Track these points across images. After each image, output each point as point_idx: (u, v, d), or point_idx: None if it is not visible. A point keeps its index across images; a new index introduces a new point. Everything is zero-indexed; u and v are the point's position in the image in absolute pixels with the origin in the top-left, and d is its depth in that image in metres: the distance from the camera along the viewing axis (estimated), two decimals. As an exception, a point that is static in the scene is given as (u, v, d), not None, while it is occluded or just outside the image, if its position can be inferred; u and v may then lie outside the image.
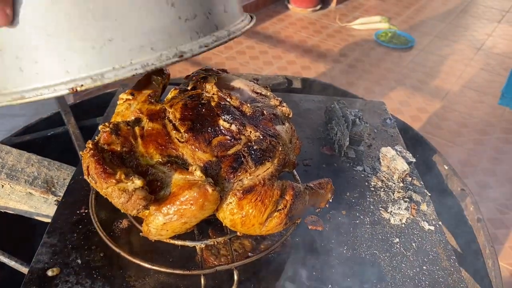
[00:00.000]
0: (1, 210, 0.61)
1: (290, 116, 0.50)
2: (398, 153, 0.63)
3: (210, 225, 0.51)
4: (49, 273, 0.47)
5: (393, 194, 0.61)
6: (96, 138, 0.44)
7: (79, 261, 0.49)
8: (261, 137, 0.45)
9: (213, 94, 0.48)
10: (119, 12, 0.36)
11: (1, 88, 0.38)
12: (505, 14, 4.00)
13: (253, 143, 0.44)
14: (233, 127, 0.45)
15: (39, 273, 0.47)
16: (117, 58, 0.37)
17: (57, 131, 0.71)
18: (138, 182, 0.39)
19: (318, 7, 3.81)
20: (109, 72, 0.37)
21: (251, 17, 0.49)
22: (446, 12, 3.99)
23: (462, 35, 3.60)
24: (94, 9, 0.35)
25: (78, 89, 0.37)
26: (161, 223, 0.41)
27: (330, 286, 0.49)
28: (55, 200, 0.60)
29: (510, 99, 2.64)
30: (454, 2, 4.26)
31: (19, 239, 0.70)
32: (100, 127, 0.45)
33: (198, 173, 0.41)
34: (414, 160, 0.63)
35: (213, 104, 0.47)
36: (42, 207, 0.61)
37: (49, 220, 0.62)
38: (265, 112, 0.48)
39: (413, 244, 0.55)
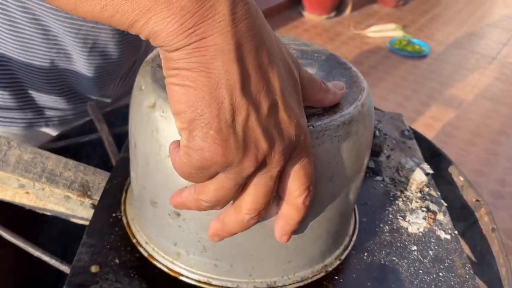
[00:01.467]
0: (39, 212, 0.65)
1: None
2: (416, 164, 0.66)
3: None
4: (92, 269, 0.51)
5: (411, 203, 0.64)
6: None
7: (117, 261, 0.53)
8: None
9: None
10: (304, 246, 0.47)
11: (185, 261, 0.49)
12: (520, 24, 3.98)
13: None
14: None
15: (81, 270, 0.51)
16: (287, 271, 0.48)
17: (91, 138, 0.76)
18: None
19: (333, 14, 3.83)
20: (279, 281, 0.48)
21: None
22: (461, 21, 3.99)
23: (477, 44, 3.60)
24: (290, 246, 0.46)
25: None
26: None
27: (351, 290, 0.52)
28: (90, 203, 0.64)
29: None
30: (469, 10, 4.26)
31: (51, 240, 0.74)
32: None
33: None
34: (431, 171, 0.66)
35: None
36: (78, 209, 0.65)
37: (83, 222, 0.66)
38: None
39: (430, 252, 0.58)
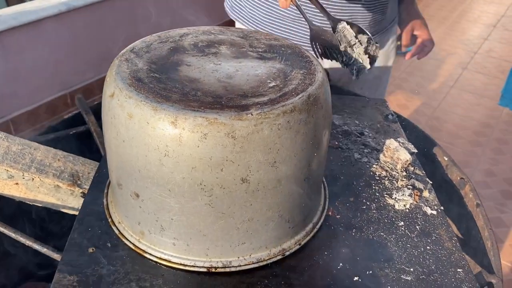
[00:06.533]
0: (30, 203, 0.65)
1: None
2: (401, 144, 0.67)
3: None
4: (90, 250, 0.52)
5: (397, 182, 0.65)
6: None
7: (109, 245, 0.53)
8: None
9: None
10: (256, 228, 0.49)
11: (149, 240, 0.52)
12: (500, 18, 4.06)
13: None
14: None
15: (75, 254, 0.51)
16: (242, 252, 0.50)
17: (79, 130, 0.76)
18: None
19: (317, 14, 3.85)
20: (234, 261, 0.50)
21: (324, 203, 0.60)
22: (442, 17, 4.05)
23: (459, 40, 3.66)
24: (241, 227, 0.49)
25: (213, 270, 0.50)
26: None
27: (341, 264, 0.53)
28: (81, 192, 0.64)
29: (509, 99, 2.70)
30: (450, 7, 4.33)
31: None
32: None
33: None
34: (416, 150, 0.67)
35: None
36: (69, 199, 0.65)
37: (74, 212, 0.66)
38: None
39: (417, 227, 0.59)
